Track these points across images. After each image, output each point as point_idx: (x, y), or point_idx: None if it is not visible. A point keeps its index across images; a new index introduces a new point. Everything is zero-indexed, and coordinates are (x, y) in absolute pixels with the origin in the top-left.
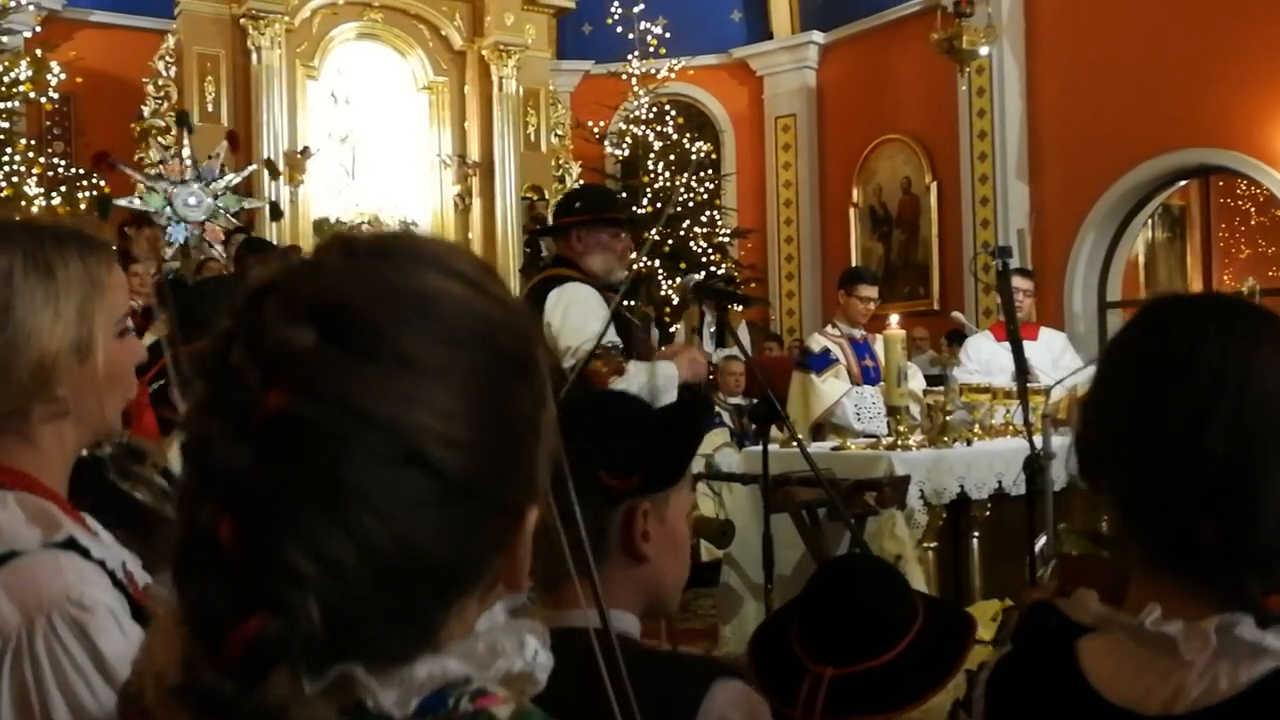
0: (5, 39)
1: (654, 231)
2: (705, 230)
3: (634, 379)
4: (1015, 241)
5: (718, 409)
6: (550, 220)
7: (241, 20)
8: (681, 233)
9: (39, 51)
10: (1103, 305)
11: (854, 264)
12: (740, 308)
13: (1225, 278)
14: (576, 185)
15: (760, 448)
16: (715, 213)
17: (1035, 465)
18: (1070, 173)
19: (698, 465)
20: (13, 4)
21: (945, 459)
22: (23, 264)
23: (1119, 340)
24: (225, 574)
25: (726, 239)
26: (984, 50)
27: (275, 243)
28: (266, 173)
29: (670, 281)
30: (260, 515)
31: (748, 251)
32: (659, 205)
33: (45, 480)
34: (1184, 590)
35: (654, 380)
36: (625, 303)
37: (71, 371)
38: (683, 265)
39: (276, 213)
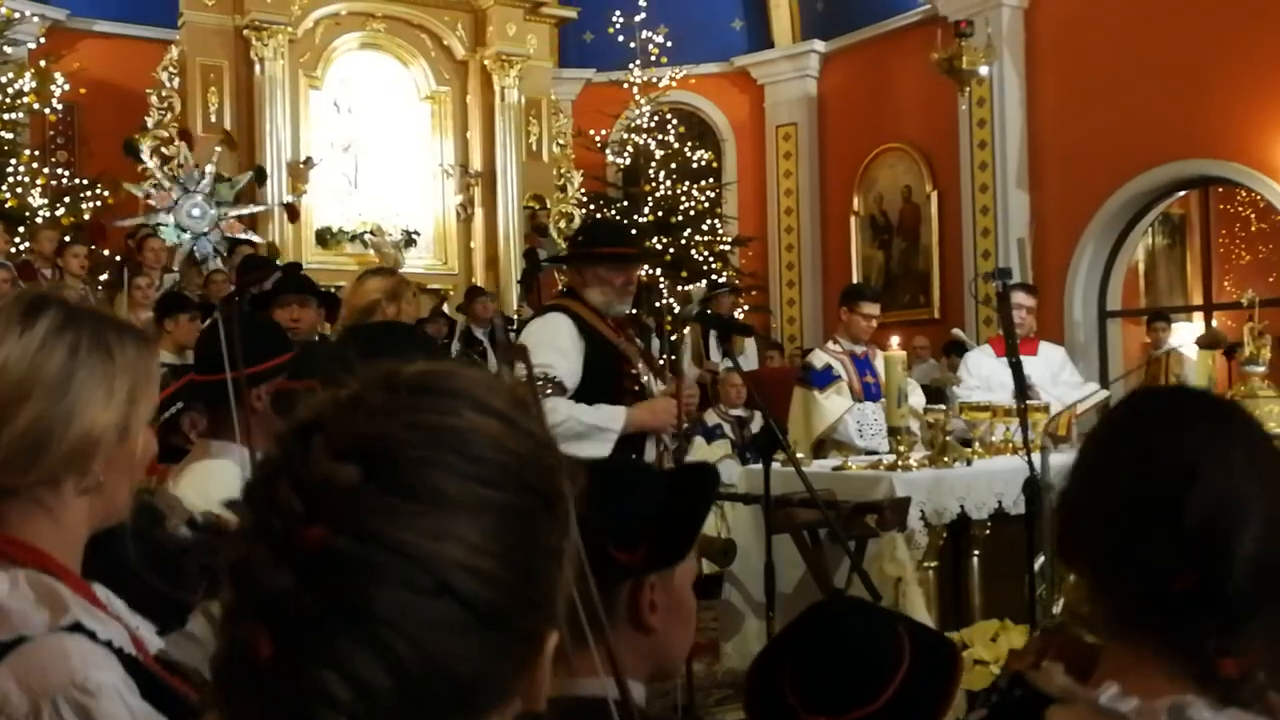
0: (9, 50)
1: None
2: (706, 239)
3: (548, 416)
4: (1015, 251)
5: (719, 420)
6: (548, 224)
7: (245, 31)
8: (683, 241)
9: (43, 62)
10: (1103, 314)
11: (854, 272)
12: (741, 336)
13: (1225, 283)
14: (579, 193)
15: (761, 467)
16: (716, 221)
17: (1034, 487)
18: (1070, 182)
19: None
20: (17, 15)
21: (945, 480)
22: (88, 342)
23: (1103, 427)
24: (262, 691)
25: (727, 247)
26: (984, 70)
27: (279, 252)
28: (277, 184)
29: (672, 290)
30: (297, 637)
31: (749, 260)
32: (660, 213)
33: (59, 554)
34: (1150, 654)
35: (568, 422)
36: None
37: (110, 451)
38: (684, 274)
39: (293, 213)
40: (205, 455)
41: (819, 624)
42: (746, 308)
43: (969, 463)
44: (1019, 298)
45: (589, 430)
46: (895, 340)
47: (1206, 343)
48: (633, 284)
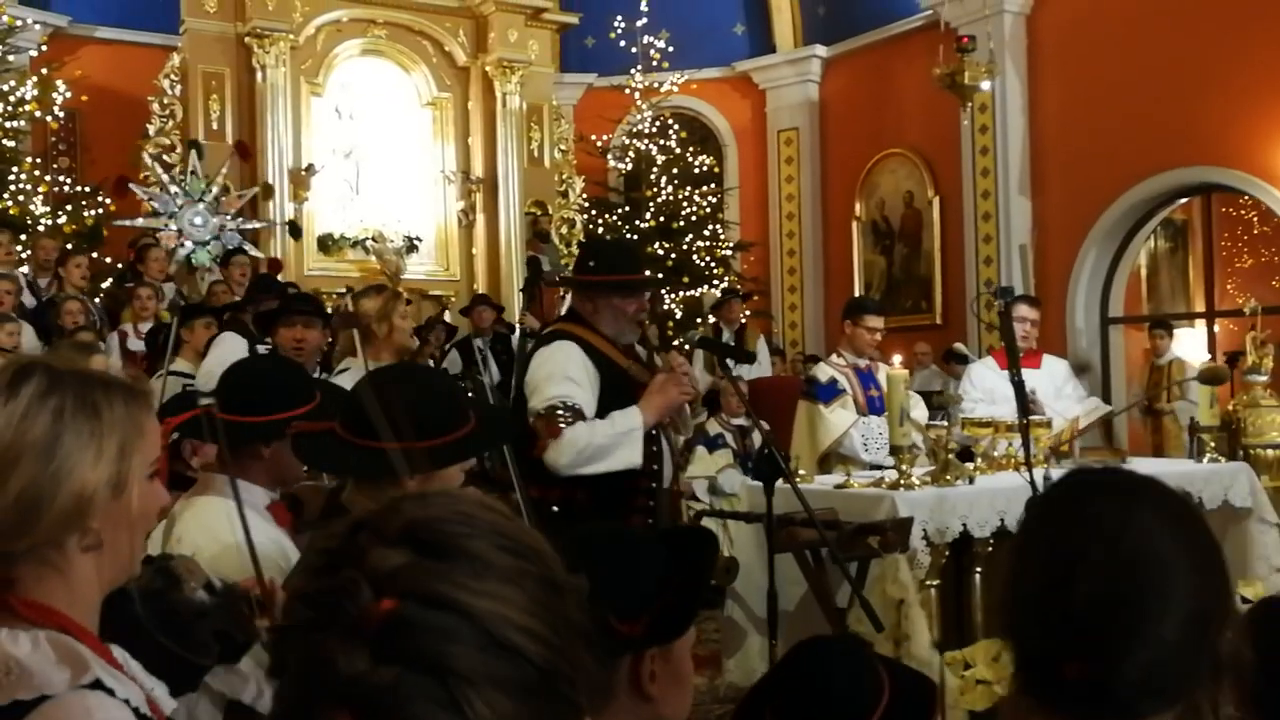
0: (11, 58)
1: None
2: (708, 244)
3: (570, 444)
4: (1017, 257)
5: (721, 430)
6: (549, 230)
7: (246, 39)
8: (684, 246)
9: (45, 70)
10: (1105, 321)
11: (856, 277)
12: (742, 363)
13: (1228, 287)
14: (581, 198)
15: (761, 483)
16: (718, 226)
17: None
18: (1072, 189)
19: (702, 487)
20: (18, 23)
21: (948, 498)
22: (73, 404)
23: (1033, 503)
24: None
25: (729, 252)
26: (985, 85)
27: (281, 266)
28: (278, 191)
29: (673, 295)
30: (378, 710)
31: (750, 265)
32: (662, 219)
33: (75, 614)
34: None
35: (594, 440)
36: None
37: (106, 506)
38: (685, 279)
39: (296, 231)
40: (209, 490)
41: (801, 664)
42: (749, 313)
43: (971, 480)
44: (1022, 311)
45: (614, 440)
46: (898, 359)
47: (1208, 378)
48: (645, 311)
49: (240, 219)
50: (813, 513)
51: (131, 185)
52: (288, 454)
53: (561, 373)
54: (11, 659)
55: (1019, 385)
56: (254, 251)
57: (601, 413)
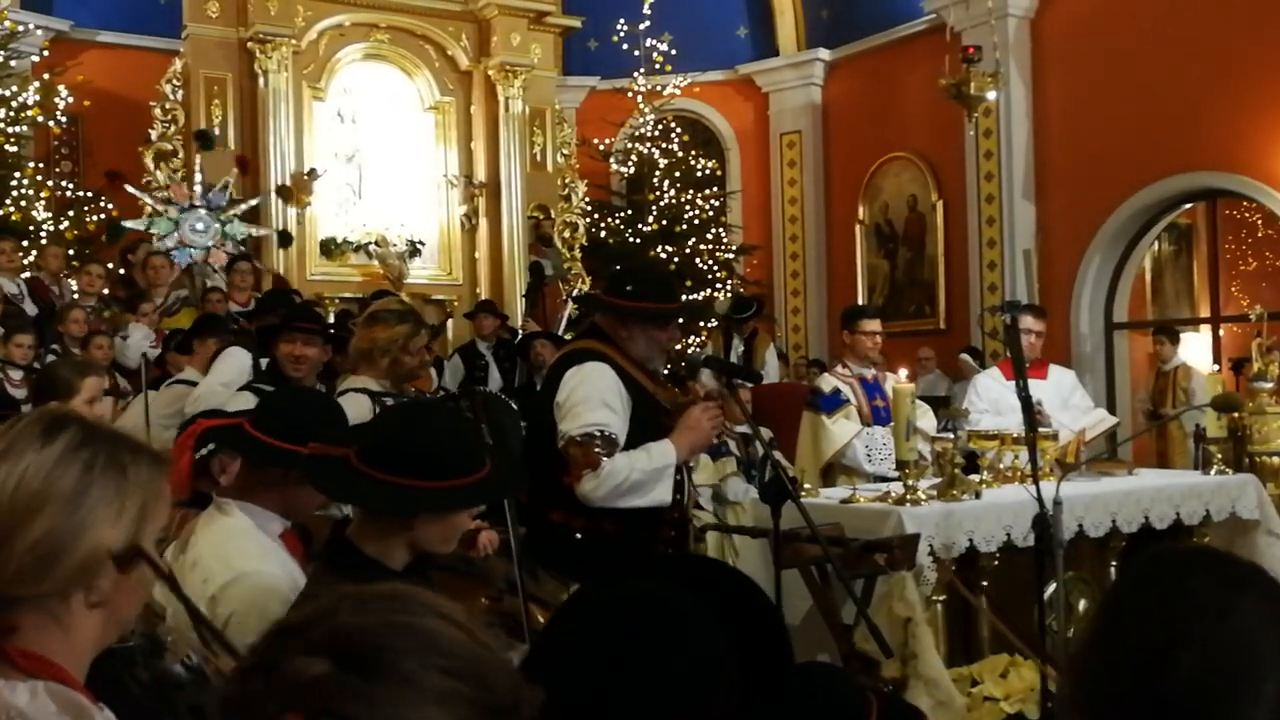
0: (13, 63)
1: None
2: (710, 247)
3: (609, 477)
4: (1021, 262)
5: (724, 437)
6: (552, 235)
7: (249, 43)
8: (687, 250)
9: (47, 75)
10: (1109, 326)
11: (860, 281)
12: (750, 383)
13: (1232, 289)
14: (584, 202)
15: (768, 504)
16: (721, 230)
17: (1043, 523)
18: (1077, 194)
19: (706, 495)
20: (20, 29)
21: (954, 513)
22: (104, 460)
23: (1118, 581)
24: None
25: (732, 256)
26: (991, 95)
27: (282, 270)
28: (278, 198)
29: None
30: None
31: (753, 268)
32: (664, 222)
33: (70, 669)
34: None
35: (631, 475)
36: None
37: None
38: (688, 283)
39: (286, 240)
40: (226, 513)
41: (790, 693)
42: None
43: (978, 495)
44: (1027, 322)
45: (650, 476)
46: (903, 372)
47: (1221, 405)
48: (676, 340)
49: (242, 225)
50: (820, 535)
51: (130, 188)
52: (304, 492)
53: (599, 398)
54: (13, 708)
55: (1026, 400)
56: (254, 262)
57: (629, 439)
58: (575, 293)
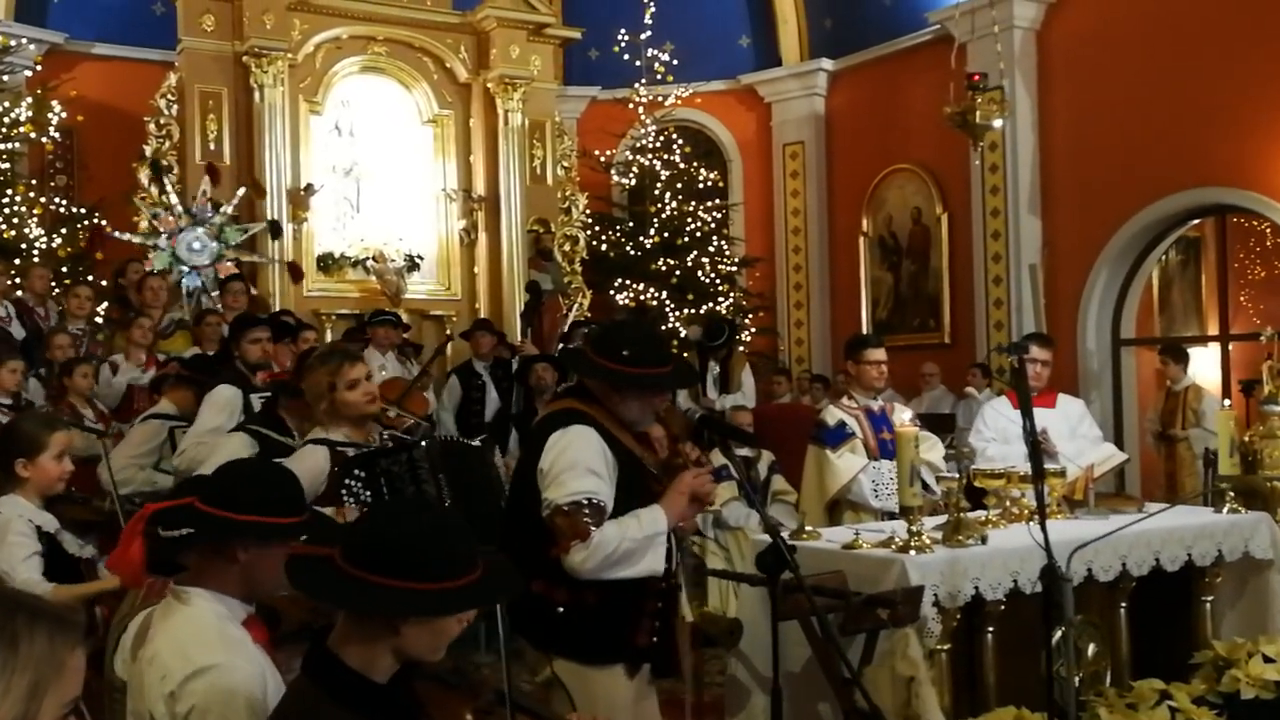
0: (6, 77)
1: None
2: (712, 259)
3: (599, 548)
4: (1027, 277)
5: (728, 461)
6: (552, 248)
7: (244, 58)
8: (689, 263)
9: (40, 90)
10: (1116, 342)
11: (864, 294)
12: (750, 450)
13: (1241, 298)
14: (584, 214)
15: (765, 573)
16: (723, 241)
17: (1051, 574)
18: (1083, 208)
19: (706, 521)
20: (13, 43)
21: (960, 560)
22: None
23: None
24: None
25: (734, 268)
26: (997, 124)
27: (278, 287)
28: (268, 232)
29: (678, 313)
30: None
31: (756, 280)
32: (666, 234)
33: None
34: None
35: (623, 545)
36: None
37: None
38: (690, 296)
39: (277, 231)
40: (185, 602)
41: None
42: (754, 330)
43: (984, 540)
44: (1033, 351)
45: (640, 545)
46: (908, 414)
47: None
48: (667, 403)
49: (241, 249)
50: (814, 601)
51: (137, 202)
52: (265, 565)
53: (585, 464)
54: None
55: (1034, 444)
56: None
57: (616, 505)
58: (574, 306)
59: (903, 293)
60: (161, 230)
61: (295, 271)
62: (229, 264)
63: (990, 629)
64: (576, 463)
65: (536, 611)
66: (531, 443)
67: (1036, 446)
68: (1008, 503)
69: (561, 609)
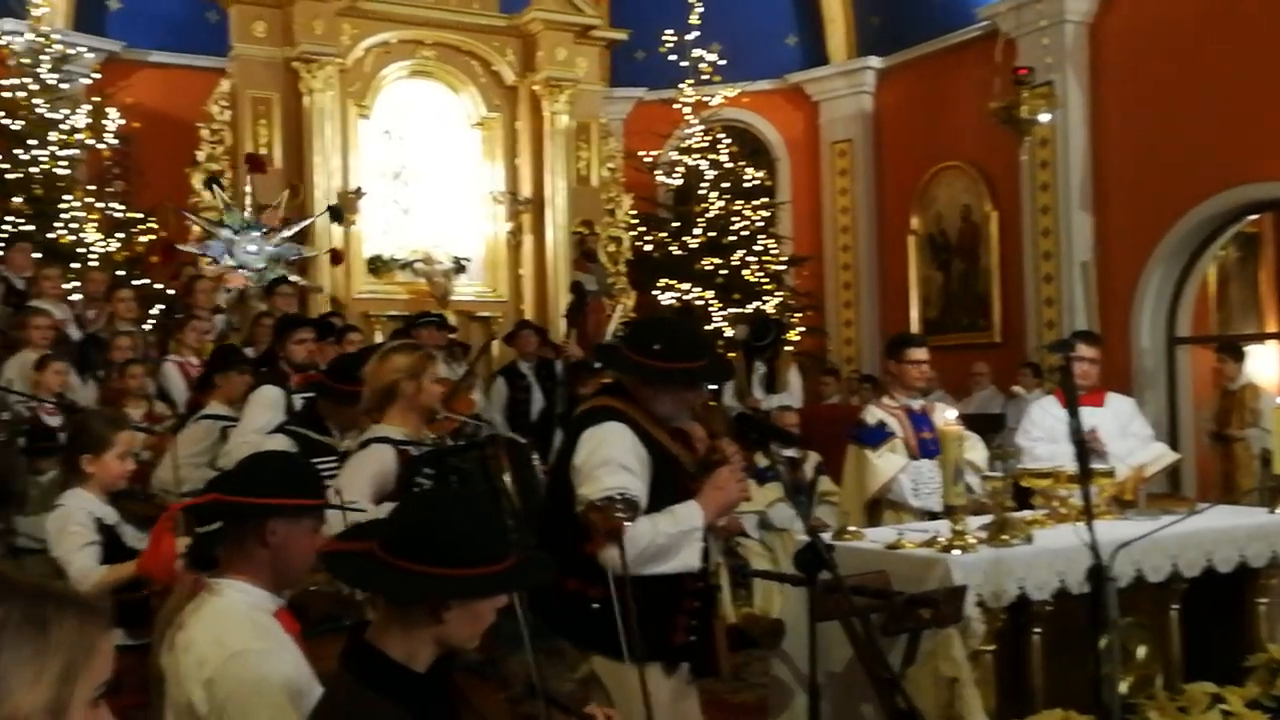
0: (65, 86)
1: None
2: (759, 258)
3: (631, 544)
4: (1078, 274)
5: (772, 462)
6: (596, 249)
7: (294, 63)
8: (735, 262)
9: (99, 98)
10: (1171, 341)
11: (913, 292)
12: (796, 450)
13: None
14: (629, 215)
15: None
16: (770, 240)
17: (1099, 575)
18: (1137, 204)
19: (752, 522)
20: (72, 51)
21: (1004, 560)
22: (19, 617)
23: None
24: None
25: (782, 267)
26: (1045, 118)
27: (329, 288)
28: (328, 217)
29: (723, 312)
30: None
31: (803, 280)
32: (712, 234)
33: None
34: None
35: (656, 539)
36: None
37: None
38: (736, 295)
39: (338, 215)
40: (217, 593)
41: None
42: (802, 329)
43: (1029, 539)
44: (1081, 349)
45: (675, 540)
46: (952, 413)
47: None
48: (704, 398)
49: (289, 246)
50: (852, 601)
51: (188, 215)
52: (293, 548)
53: (618, 460)
54: None
55: (1080, 443)
56: (295, 278)
57: (650, 502)
58: (619, 307)
59: (952, 291)
60: (216, 235)
61: (336, 257)
62: (291, 259)
63: (1037, 630)
64: (609, 459)
65: (573, 609)
66: (566, 440)
67: (1083, 445)
68: (1055, 502)
69: (597, 605)
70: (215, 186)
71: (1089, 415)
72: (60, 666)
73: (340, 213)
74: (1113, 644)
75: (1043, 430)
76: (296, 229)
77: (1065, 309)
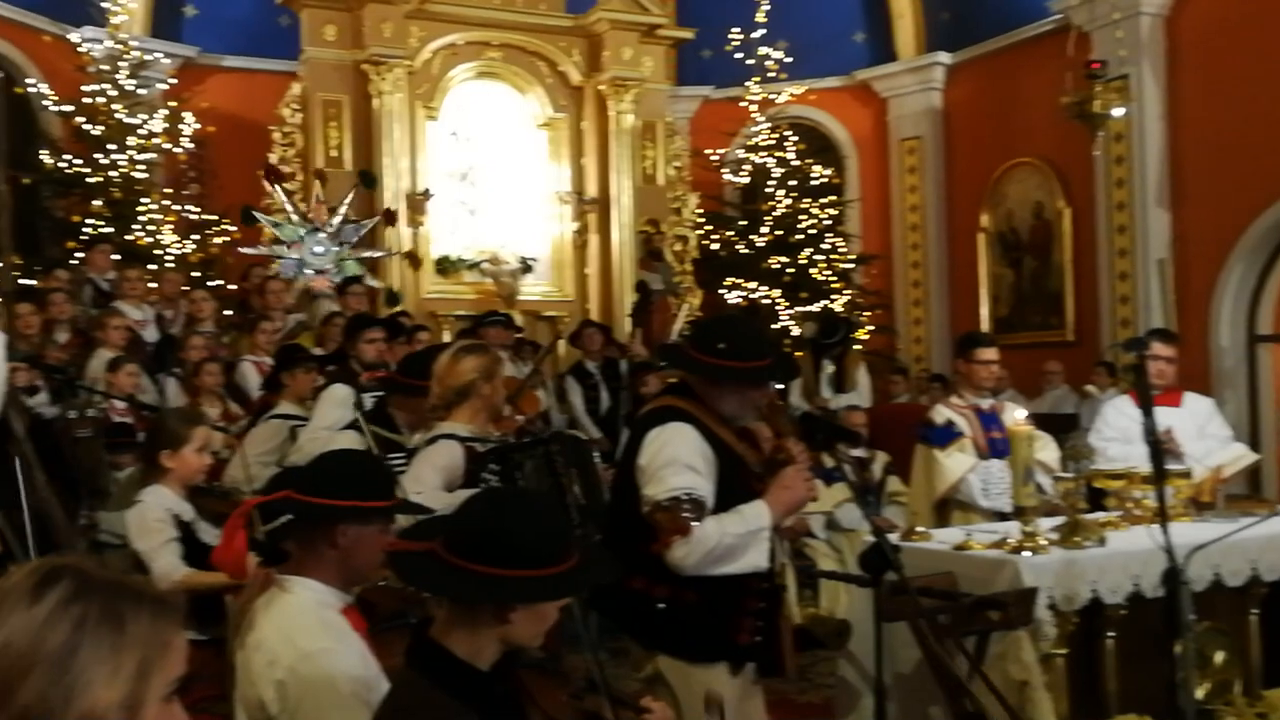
0: (143, 91)
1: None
2: (827, 256)
3: (700, 543)
4: (1155, 272)
5: (839, 462)
6: (662, 249)
7: (363, 65)
8: (803, 260)
9: (173, 103)
10: (1252, 339)
11: (983, 291)
12: (864, 451)
13: None
14: (695, 214)
15: (870, 574)
16: (838, 238)
17: (1174, 579)
18: (1216, 200)
19: (819, 523)
20: (149, 57)
21: (1077, 563)
22: (98, 614)
23: None
24: None
25: (850, 265)
26: (1117, 113)
27: (399, 286)
28: (360, 184)
29: (790, 311)
30: None
31: (872, 278)
32: (780, 232)
33: None
34: None
35: (724, 540)
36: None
37: None
38: (804, 294)
39: (370, 181)
40: (287, 590)
41: None
42: (871, 328)
43: (1102, 541)
44: (1156, 348)
45: (743, 540)
46: (1021, 413)
47: None
48: (769, 397)
49: (360, 246)
50: (918, 601)
51: (255, 213)
52: (362, 549)
53: (683, 460)
54: None
55: (1154, 444)
56: (372, 281)
57: (715, 503)
58: (685, 306)
59: (1024, 289)
60: (284, 240)
61: (414, 260)
62: (330, 280)
63: (1111, 634)
64: (675, 459)
65: (638, 608)
66: (631, 440)
67: (1158, 446)
68: (1129, 504)
69: (662, 605)
70: (275, 184)
71: (1165, 415)
72: (136, 663)
73: (372, 179)
74: (1188, 649)
75: (1116, 430)
76: (365, 229)
77: (1141, 307)
